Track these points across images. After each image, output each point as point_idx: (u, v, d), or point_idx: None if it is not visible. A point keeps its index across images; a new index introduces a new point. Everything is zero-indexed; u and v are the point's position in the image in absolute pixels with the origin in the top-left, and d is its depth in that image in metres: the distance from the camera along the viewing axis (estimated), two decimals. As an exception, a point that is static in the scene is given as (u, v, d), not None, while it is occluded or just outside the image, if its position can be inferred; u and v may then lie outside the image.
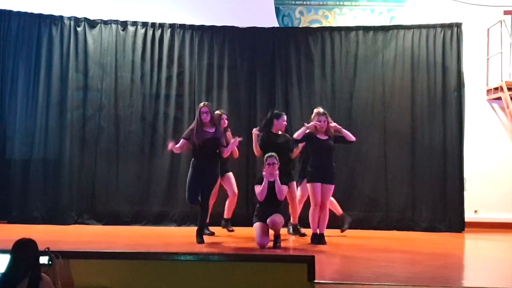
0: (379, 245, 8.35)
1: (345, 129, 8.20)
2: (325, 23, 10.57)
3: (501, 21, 10.16)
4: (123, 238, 8.56)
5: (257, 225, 7.58)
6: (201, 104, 8.03)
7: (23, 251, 4.67)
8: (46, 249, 5.11)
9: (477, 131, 10.34)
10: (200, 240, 7.66)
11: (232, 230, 8.88)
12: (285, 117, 8.49)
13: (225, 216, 8.98)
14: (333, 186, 8.06)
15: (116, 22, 10.19)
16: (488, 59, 10.45)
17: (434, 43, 10.14)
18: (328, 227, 8.18)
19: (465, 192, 9.91)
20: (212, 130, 7.78)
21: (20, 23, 9.97)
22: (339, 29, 10.38)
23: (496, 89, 10.13)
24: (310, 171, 8.04)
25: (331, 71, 10.25)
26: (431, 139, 10.00)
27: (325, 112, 8.25)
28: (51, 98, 9.97)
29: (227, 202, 8.93)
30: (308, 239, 8.15)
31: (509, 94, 9.82)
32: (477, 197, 10.14)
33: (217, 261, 5.91)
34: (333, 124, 8.17)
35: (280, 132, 8.43)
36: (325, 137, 8.10)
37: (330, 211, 8.40)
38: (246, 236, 8.27)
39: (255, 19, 10.28)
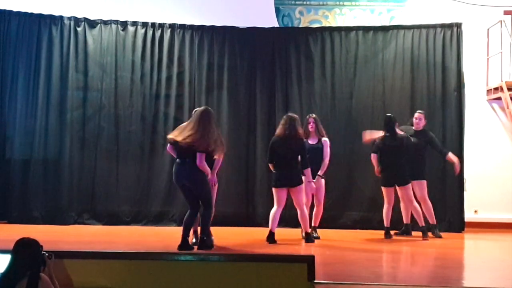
0: (379, 245, 8.35)
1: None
2: (325, 23, 10.57)
3: (501, 21, 10.15)
4: (123, 238, 8.56)
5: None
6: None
7: (25, 251, 4.64)
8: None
9: (477, 131, 10.34)
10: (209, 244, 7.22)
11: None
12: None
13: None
14: None
15: (116, 22, 10.19)
16: (488, 59, 10.45)
17: (434, 43, 10.14)
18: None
19: (465, 192, 9.91)
20: None
21: (20, 23, 9.98)
22: (339, 29, 10.38)
23: (496, 89, 10.13)
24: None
25: (331, 71, 10.25)
26: (431, 139, 10.00)
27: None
28: (51, 98, 9.96)
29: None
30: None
31: (509, 94, 9.82)
32: (477, 197, 10.14)
33: (217, 261, 5.88)
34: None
35: None
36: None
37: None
38: (246, 236, 8.26)
39: (255, 19, 10.28)
